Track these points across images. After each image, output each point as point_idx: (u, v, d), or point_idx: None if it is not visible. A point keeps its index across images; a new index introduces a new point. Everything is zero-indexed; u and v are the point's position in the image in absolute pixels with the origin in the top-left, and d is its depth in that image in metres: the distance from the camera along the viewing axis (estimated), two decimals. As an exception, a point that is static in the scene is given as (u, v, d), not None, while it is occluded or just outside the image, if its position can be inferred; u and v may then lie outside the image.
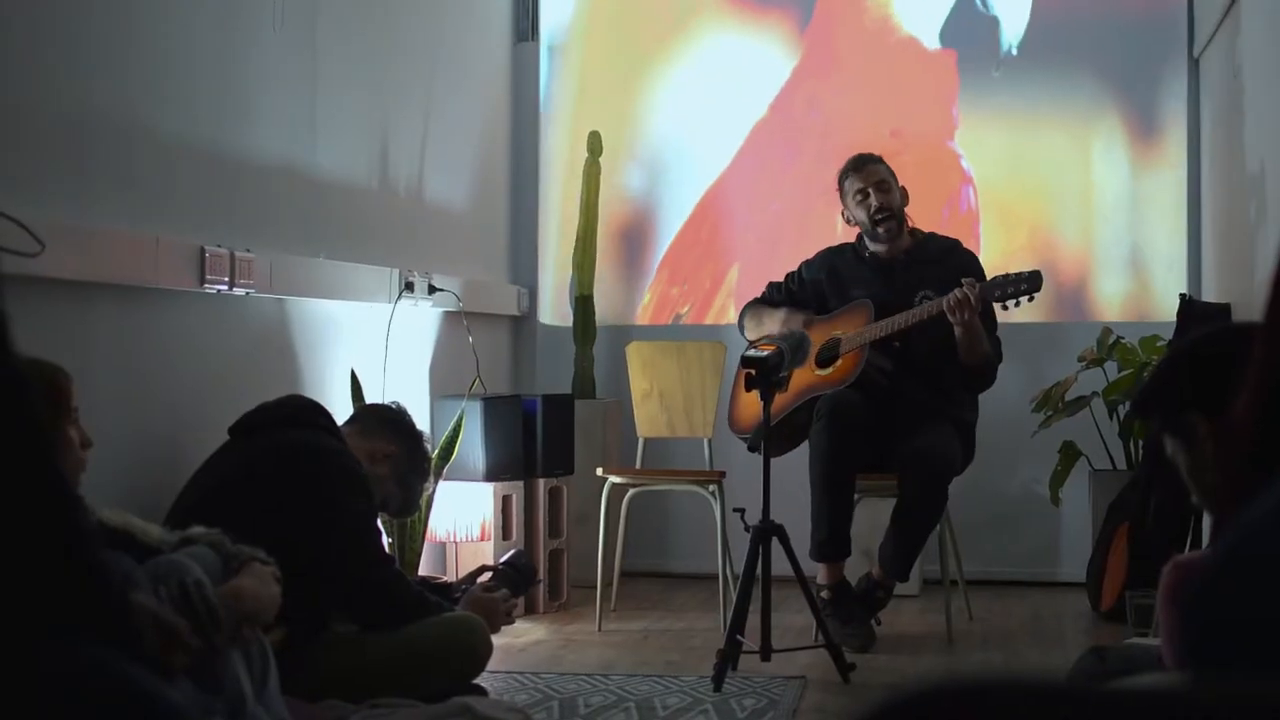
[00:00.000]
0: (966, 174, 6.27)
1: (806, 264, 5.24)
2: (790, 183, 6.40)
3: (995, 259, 5.65)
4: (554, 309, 6.56)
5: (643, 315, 6.48)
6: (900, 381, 4.88)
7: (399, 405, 4.10)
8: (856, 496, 4.86)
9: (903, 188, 5.10)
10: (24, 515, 1.88)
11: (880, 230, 5.02)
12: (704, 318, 6.41)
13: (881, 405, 4.81)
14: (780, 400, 4.78)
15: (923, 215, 5.31)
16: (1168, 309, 5.68)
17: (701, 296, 6.44)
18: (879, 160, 5.12)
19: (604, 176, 6.29)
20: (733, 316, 5.66)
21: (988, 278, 4.89)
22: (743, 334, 5.22)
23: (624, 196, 6.50)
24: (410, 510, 4.14)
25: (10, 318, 1.85)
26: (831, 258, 5.18)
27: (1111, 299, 6.18)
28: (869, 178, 5.05)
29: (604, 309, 6.33)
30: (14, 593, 1.89)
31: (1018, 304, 4.78)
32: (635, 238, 6.52)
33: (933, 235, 5.20)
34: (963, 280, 4.75)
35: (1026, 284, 4.74)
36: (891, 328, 4.86)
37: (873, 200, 5.01)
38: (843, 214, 5.17)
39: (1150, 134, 6.15)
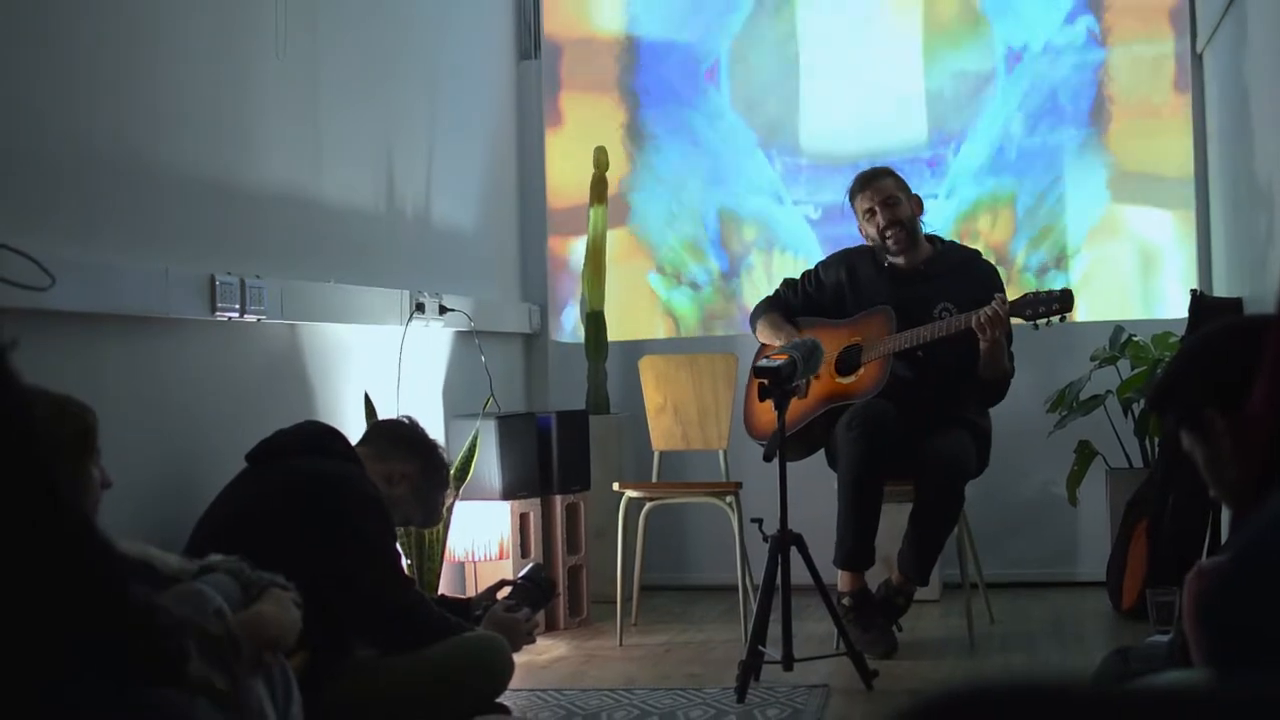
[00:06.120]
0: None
1: (824, 265, 5.22)
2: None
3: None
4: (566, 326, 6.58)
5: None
6: (919, 389, 4.86)
7: (410, 419, 4.09)
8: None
9: (916, 197, 5.09)
10: (45, 546, 1.88)
11: (890, 243, 5.00)
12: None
13: (904, 413, 4.80)
14: (800, 406, 4.77)
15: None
16: (1179, 304, 5.67)
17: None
18: (887, 174, 5.10)
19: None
20: (743, 325, 5.64)
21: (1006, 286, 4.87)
22: (754, 333, 5.22)
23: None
24: (434, 520, 4.13)
25: (12, 350, 1.84)
26: (851, 259, 5.15)
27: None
28: (875, 194, 5.02)
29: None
30: (39, 620, 1.90)
31: (1048, 323, 4.77)
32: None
33: (953, 244, 5.19)
34: (995, 296, 4.75)
35: (1058, 303, 4.72)
36: (917, 339, 4.84)
37: (880, 218, 5.00)
38: (859, 228, 5.15)
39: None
